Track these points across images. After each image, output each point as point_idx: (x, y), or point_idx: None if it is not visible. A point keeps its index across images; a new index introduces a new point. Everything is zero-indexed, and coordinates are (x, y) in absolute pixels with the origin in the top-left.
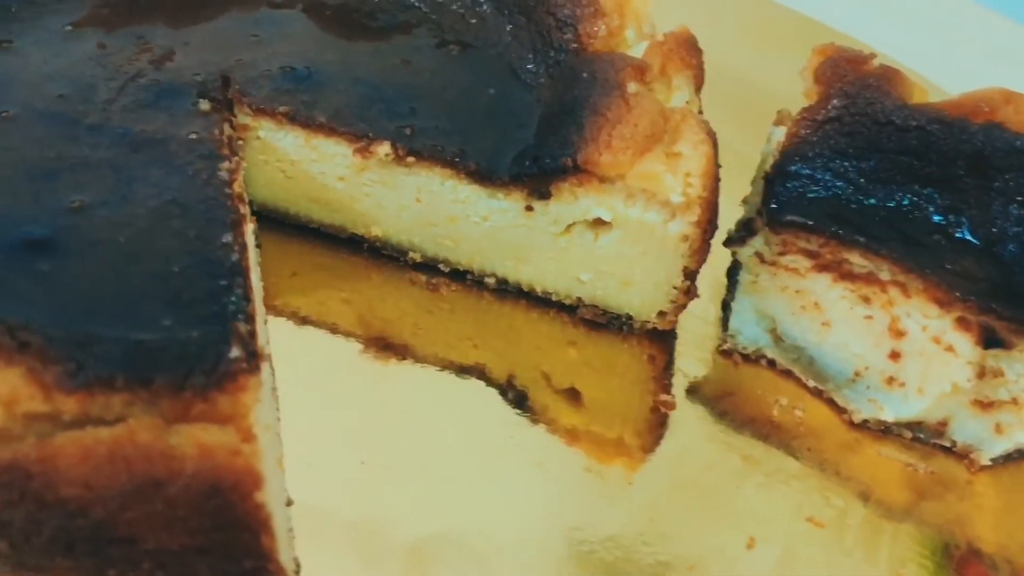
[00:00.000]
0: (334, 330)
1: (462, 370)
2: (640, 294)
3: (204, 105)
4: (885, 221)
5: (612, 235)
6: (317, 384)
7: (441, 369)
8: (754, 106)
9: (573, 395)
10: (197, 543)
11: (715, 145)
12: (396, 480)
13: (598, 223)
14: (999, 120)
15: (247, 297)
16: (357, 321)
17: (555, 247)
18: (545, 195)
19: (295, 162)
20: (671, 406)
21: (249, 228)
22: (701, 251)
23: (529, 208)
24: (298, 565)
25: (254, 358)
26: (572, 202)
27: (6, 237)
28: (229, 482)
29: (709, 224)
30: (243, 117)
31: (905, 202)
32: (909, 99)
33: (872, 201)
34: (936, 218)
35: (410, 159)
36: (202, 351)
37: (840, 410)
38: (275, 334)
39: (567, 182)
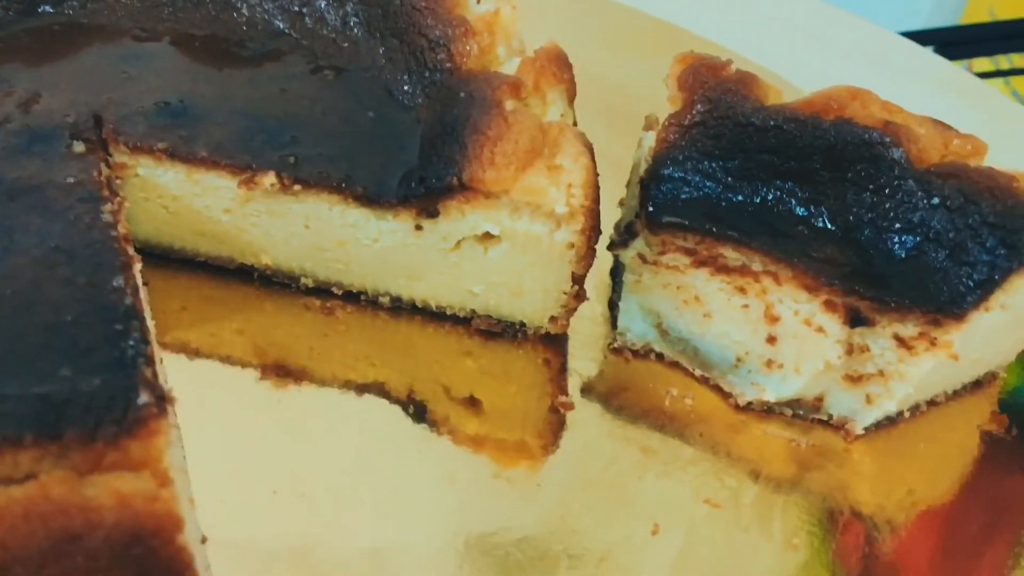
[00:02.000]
0: (228, 361)
1: (361, 388)
2: (532, 302)
3: (78, 147)
4: (753, 216)
5: (501, 247)
6: (218, 417)
7: (341, 389)
8: (625, 112)
9: (473, 404)
10: None
11: (592, 155)
12: (310, 505)
13: (487, 237)
14: (848, 116)
15: (145, 340)
16: (252, 350)
17: (446, 263)
18: (433, 214)
19: (177, 197)
20: (569, 406)
21: (137, 268)
22: (587, 256)
23: (419, 227)
24: None
25: (162, 401)
26: (460, 219)
27: None
28: (150, 528)
29: (593, 231)
30: (120, 156)
31: (770, 197)
32: (765, 100)
33: (740, 198)
34: (799, 210)
35: (296, 187)
36: (110, 400)
37: (726, 395)
38: (169, 371)
39: (454, 200)
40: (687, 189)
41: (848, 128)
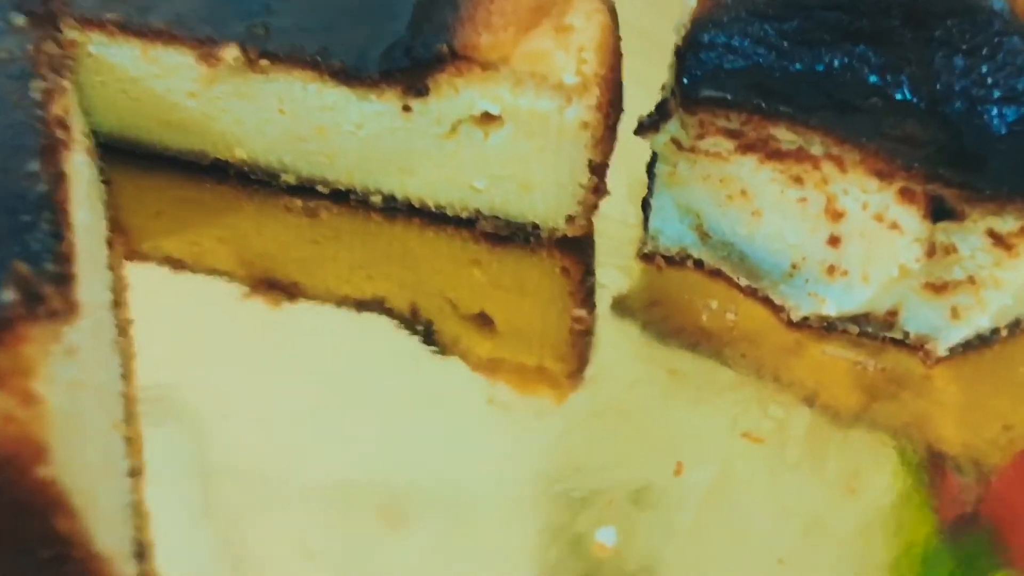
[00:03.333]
0: (214, 273)
1: (360, 305)
2: (543, 198)
3: (18, 20)
4: (813, 87)
5: (503, 131)
6: (208, 339)
7: (338, 306)
8: None
9: (484, 321)
10: None
11: (614, 15)
12: (310, 432)
13: (487, 119)
14: None
15: (57, 235)
16: (236, 261)
17: (442, 152)
18: (422, 91)
19: (136, 80)
20: (585, 322)
21: (75, 158)
22: (606, 140)
23: (407, 108)
24: (143, 548)
25: (38, 303)
26: (453, 96)
27: None
28: (2, 457)
29: (612, 107)
30: (69, 31)
31: (835, 64)
32: None
33: (798, 67)
34: (872, 79)
35: (264, 62)
36: None
37: (777, 309)
38: (151, 282)
39: (445, 72)
40: (732, 57)
41: None
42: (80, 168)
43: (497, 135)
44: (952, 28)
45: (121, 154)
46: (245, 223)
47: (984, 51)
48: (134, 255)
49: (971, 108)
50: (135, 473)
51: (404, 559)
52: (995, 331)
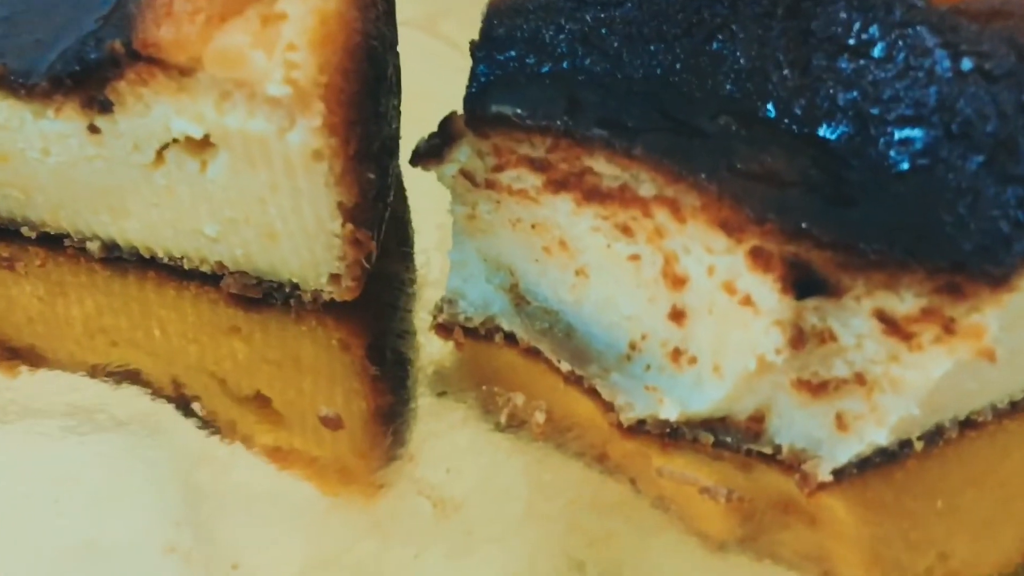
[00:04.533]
0: None
1: (115, 376)
2: (293, 250)
3: None
4: (646, 101)
5: (220, 160)
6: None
7: (90, 376)
8: None
9: (262, 402)
10: None
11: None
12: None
13: (198, 144)
14: None
15: None
16: None
17: (152, 187)
18: (106, 105)
19: None
20: (333, 424)
21: None
22: (352, 173)
23: (94, 129)
24: None
25: None
26: (145, 112)
27: None
28: None
29: (353, 128)
30: None
31: (676, 67)
32: None
33: (628, 72)
34: (726, 88)
35: None
36: None
37: (606, 407)
38: None
39: (125, 80)
40: (536, 57)
41: None
42: None
43: (215, 166)
44: (838, 15)
45: None
46: None
47: (881, 48)
48: None
49: (861, 131)
50: None
51: None
52: (904, 444)
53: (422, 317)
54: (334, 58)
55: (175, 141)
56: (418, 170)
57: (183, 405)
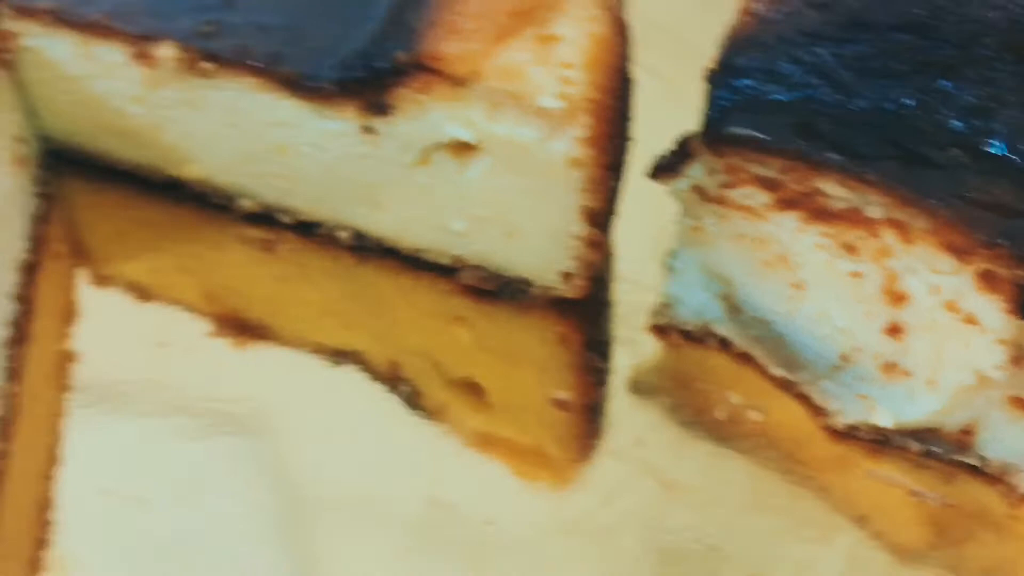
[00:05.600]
0: (180, 305)
1: (337, 355)
2: (532, 248)
3: None
4: (877, 132)
5: (481, 163)
6: (172, 381)
7: (312, 355)
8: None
9: (473, 389)
10: None
11: (621, 27)
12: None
13: (462, 148)
14: None
15: None
16: (200, 293)
17: (412, 184)
18: (384, 109)
19: (75, 79)
20: (568, 407)
21: None
22: (603, 183)
23: (368, 130)
24: None
25: None
26: (420, 117)
27: None
28: None
29: (609, 141)
30: (5, 21)
31: (908, 103)
32: None
33: (859, 104)
34: (953, 123)
35: (206, 65)
36: None
37: (817, 412)
38: (117, 310)
39: (407, 87)
40: (773, 87)
41: None
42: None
43: (474, 168)
44: None
45: (77, 165)
46: (206, 252)
47: None
48: (100, 279)
49: None
50: None
51: None
52: None
53: (636, 318)
54: (602, 77)
55: (442, 144)
56: (633, 185)
57: (395, 387)
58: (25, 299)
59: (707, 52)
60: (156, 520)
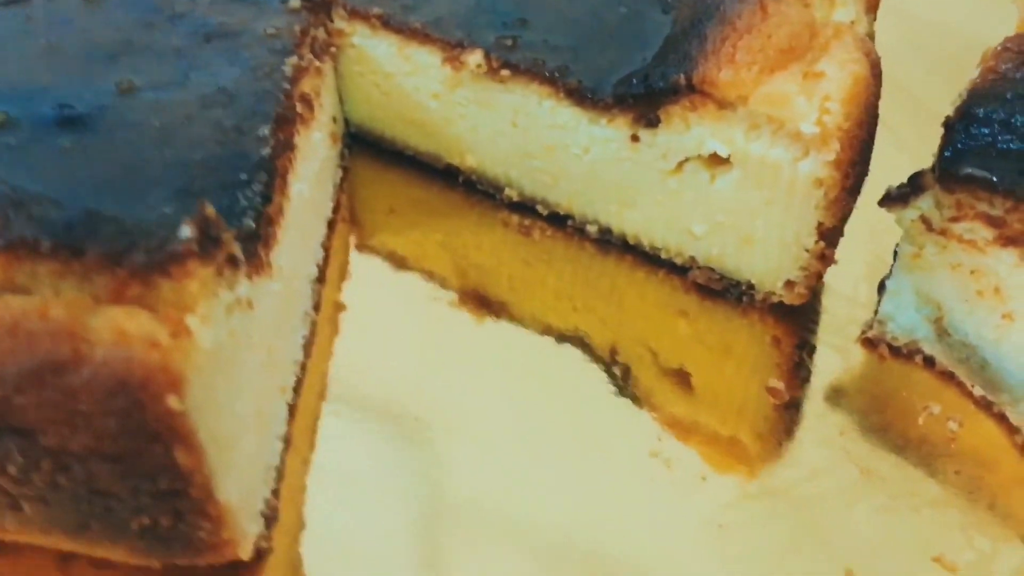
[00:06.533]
0: (430, 276)
1: (562, 336)
2: (764, 256)
3: (294, 2)
4: None
5: (731, 176)
6: (411, 335)
7: (541, 333)
8: (955, 55)
9: (682, 378)
10: (103, 448)
11: (876, 69)
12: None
13: (715, 160)
14: None
15: (267, 196)
16: (453, 268)
17: (664, 189)
18: (653, 121)
19: (389, 75)
20: (780, 396)
21: (313, 135)
22: (840, 203)
23: (635, 138)
24: (274, 513)
25: (213, 244)
26: (684, 131)
27: (41, 110)
28: (139, 378)
29: (853, 167)
30: (339, 21)
31: None
32: None
33: None
34: None
35: (504, 73)
36: (154, 228)
37: (1012, 430)
38: (372, 278)
39: (679, 105)
40: (1007, 136)
41: None
42: (316, 146)
43: (724, 179)
44: None
45: (367, 147)
46: (466, 232)
47: None
48: (364, 247)
49: None
50: (288, 442)
51: None
52: None
53: (848, 330)
54: (856, 111)
55: (698, 156)
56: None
57: (610, 370)
58: (326, 248)
59: (932, 108)
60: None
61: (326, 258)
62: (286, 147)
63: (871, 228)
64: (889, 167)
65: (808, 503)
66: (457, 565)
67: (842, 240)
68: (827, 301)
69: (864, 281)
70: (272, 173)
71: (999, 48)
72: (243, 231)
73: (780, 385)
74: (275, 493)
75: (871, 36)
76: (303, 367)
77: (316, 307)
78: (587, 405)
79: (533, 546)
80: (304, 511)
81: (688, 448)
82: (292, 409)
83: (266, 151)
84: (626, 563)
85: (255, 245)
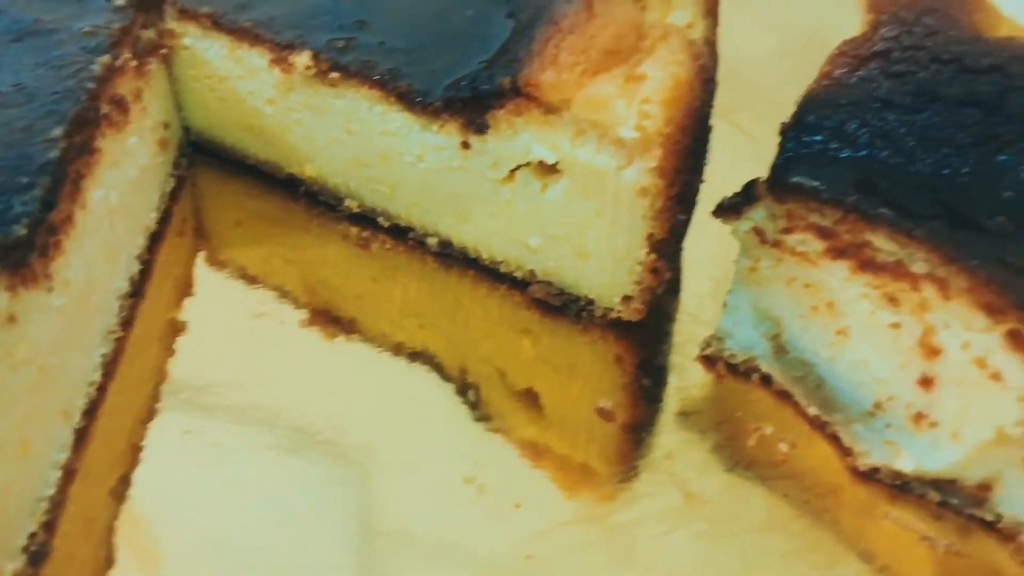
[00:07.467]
0: (280, 292)
1: (412, 355)
2: (599, 270)
3: (119, 1)
4: (931, 194)
5: (560, 185)
6: (262, 362)
7: (391, 352)
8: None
9: (531, 399)
10: None
11: (704, 71)
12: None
13: (546, 169)
14: None
15: (50, 203)
16: (301, 284)
17: (498, 199)
18: (482, 127)
19: (223, 79)
20: (611, 417)
21: (128, 140)
22: (667, 212)
23: (466, 145)
24: (42, 550)
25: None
26: (512, 137)
27: None
28: None
29: (678, 175)
30: (170, 21)
31: (964, 171)
32: (987, 30)
33: (919, 168)
34: (1006, 195)
35: (333, 75)
36: None
37: (844, 451)
38: (225, 295)
39: (504, 109)
40: (838, 145)
41: None
42: (131, 152)
43: (554, 189)
44: None
45: (211, 156)
46: (312, 246)
47: None
48: (214, 262)
49: None
50: (69, 472)
51: None
52: None
53: (688, 348)
54: (677, 115)
55: (528, 164)
56: (701, 226)
57: (463, 391)
58: (146, 261)
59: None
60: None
61: (145, 272)
62: (83, 151)
63: (719, 243)
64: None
65: (624, 529)
66: None
67: (695, 259)
68: (673, 318)
69: (709, 298)
70: (59, 178)
71: (835, 52)
72: (10, 239)
73: (609, 405)
74: (47, 527)
75: (709, 40)
76: (102, 388)
77: (127, 324)
78: (415, 426)
79: None
80: (114, 545)
81: (511, 474)
82: (82, 434)
83: (54, 154)
84: None
85: (26, 254)
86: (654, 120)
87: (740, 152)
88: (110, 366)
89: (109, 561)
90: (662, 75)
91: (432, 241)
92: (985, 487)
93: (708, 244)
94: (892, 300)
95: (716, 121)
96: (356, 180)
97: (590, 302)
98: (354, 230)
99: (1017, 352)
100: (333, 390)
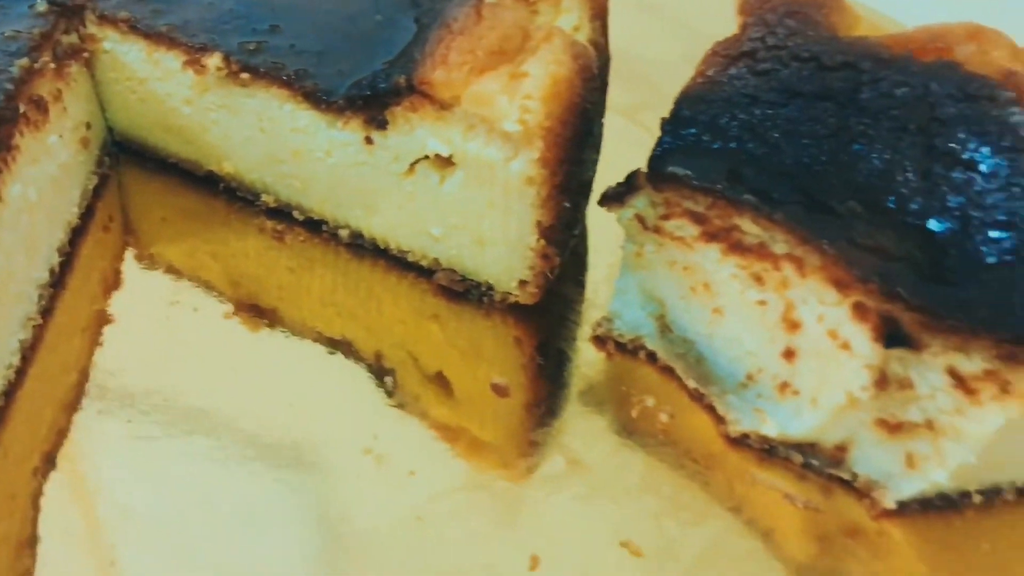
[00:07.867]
0: (205, 285)
1: (332, 344)
2: (495, 256)
3: (41, 6)
4: (791, 181)
5: (456, 177)
6: (194, 356)
7: (312, 341)
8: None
9: (442, 383)
10: None
11: (585, 70)
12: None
13: (443, 162)
14: (955, 59)
15: None
16: (225, 277)
17: (401, 191)
18: (382, 123)
19: (143, 80)
20: (504, 393)
21: (47, 139)
22: (553, 200)
23: (369, 141)
24: None
25: None
26: (409, 132)
27: None
28: None
29: (560, 165)
30: (90, 26)
31: (822, 159)
32: (843, 30)
33: (782, 158)
34: (858, 181)
35: (244, 76)
36: None
37: (718, 420)
38: (154, 288)
39: (401, 106)
40: (710, 137)
41: (950, 75)
42: (51, 149)
43: (451, 181)
44: (959, 135)
45: (134, 155)
46: (232, 240)
47: (993, 166)
48: (142, 257)
49: (962, 228)
50: None
51: None
52: (965, 495)
53: (584, 330)
54: (557, 109)
55: (426, 158)
56: (600, 218)
57: (379, 376)
58: (67, 255)
59: None
60: (198, 542)
61: (67, 264)
62: (0, 147)
63: (615, 232)
64: None
65: (509, 494)
66: None
67: (594, 248)
68: (573, 302)
69: (605, 283)
70: None
71: (709, 52)
72: None
73: (503, 381)
74: None
75: (596, 42)
76: (21, 372)
77: (46, 312)
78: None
79: None
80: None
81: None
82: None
83: None
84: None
85: None
86: (535, 114)
87: (644, 148)
88: (29, 352)
89: (33, 539)
90: (543, 73)
91: (344, 233)
92: (842, 448)
93: (606, 234)
94: (758, 279)
95: (622, 119)
96: (271, 176)
97: (490, 287)
98: (271, 224)
99: (862, 323)
100: (256, 380)
